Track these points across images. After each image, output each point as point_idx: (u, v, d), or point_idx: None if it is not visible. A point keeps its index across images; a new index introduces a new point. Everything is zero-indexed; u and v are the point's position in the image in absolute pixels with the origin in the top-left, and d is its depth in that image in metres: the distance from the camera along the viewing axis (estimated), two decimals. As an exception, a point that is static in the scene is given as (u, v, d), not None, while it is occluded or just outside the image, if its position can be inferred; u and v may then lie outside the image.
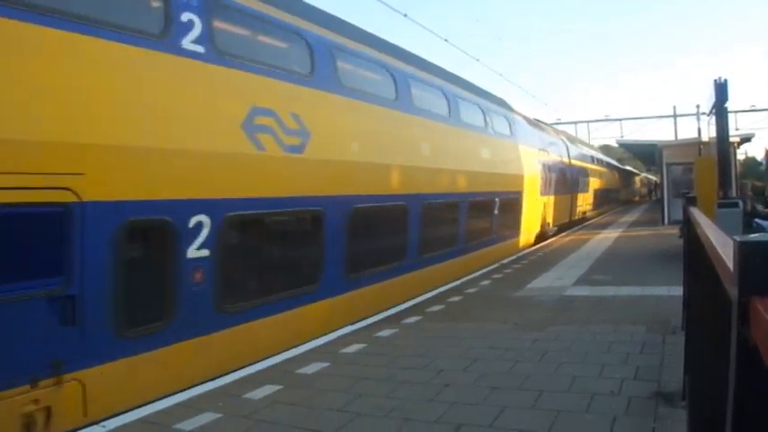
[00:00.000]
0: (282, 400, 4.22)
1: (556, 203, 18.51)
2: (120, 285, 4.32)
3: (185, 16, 5.12)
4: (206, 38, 5.30)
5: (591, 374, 4.42)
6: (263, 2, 6.33)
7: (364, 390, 4.37)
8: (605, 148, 46.43)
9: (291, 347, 5.57)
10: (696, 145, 15.92)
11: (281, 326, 5.96)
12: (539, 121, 21.06)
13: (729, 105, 9.22)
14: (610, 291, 8.12)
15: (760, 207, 11.41)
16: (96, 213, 4.11)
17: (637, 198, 54.65)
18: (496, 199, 12.65)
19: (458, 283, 9.44)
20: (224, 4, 5.78)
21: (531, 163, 15.44)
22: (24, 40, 3.90)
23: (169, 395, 4.31)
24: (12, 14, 3.80)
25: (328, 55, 7.25)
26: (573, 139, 28.38)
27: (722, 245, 1.45)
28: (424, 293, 8.35)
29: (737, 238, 0.97)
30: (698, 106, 21.75)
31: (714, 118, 9.72)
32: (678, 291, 5.63)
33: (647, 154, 28.31)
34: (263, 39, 6.70)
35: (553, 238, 17.03)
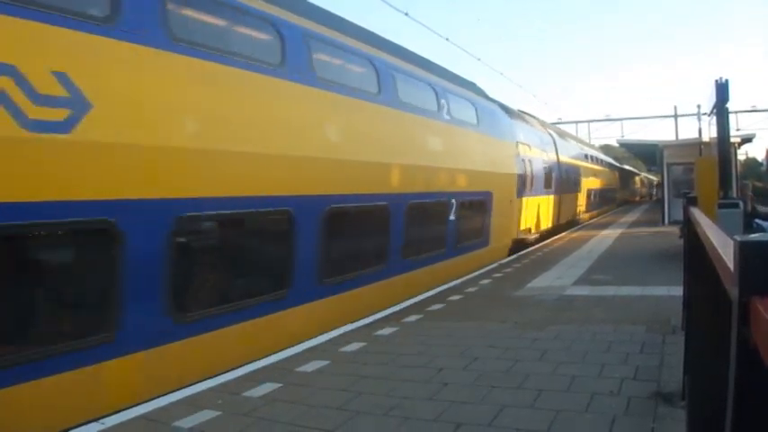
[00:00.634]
0: (282, 398, 4.22)
1: (538, 206, 16.31)
2: None
3: None
4: None
5: (590, 374, 4.42)
6: None
7: (364, 388, 4.37)
8: (606, 148, 46.40)
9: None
10: (697, 145, 15.92)
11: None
12: (523, 112, 18.73)
13: (730, 106, 9.23)
14: (610, 290, 8.11)
15: (761, 207, 11.40)
16: None
17: (637, 198, 54.61)
18: (452, 201, 10.20)
19: (458, 282, 9.44)
20: None
21: (505, 159, 13.34)
22: None
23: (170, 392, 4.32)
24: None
25: None
26: (564, 135, 26.20)
27: (722, 245, 1.45)
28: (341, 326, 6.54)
29: (738, 239, 0.97)
30: (699, 106, 21.78)
31: (715, 118, 9.70)
32: (678, 291, 5.63)
33: (647, 154, 28.27)
34: None
35: (561, 234, 16.92)
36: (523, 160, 14.67)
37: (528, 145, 15.47)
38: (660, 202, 22.41)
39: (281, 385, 4.49)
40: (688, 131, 69.51)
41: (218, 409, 4.02)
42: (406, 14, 14.91)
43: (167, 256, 4.79)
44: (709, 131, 13.99)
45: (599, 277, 9.37)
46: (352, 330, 6.31)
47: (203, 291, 5.52)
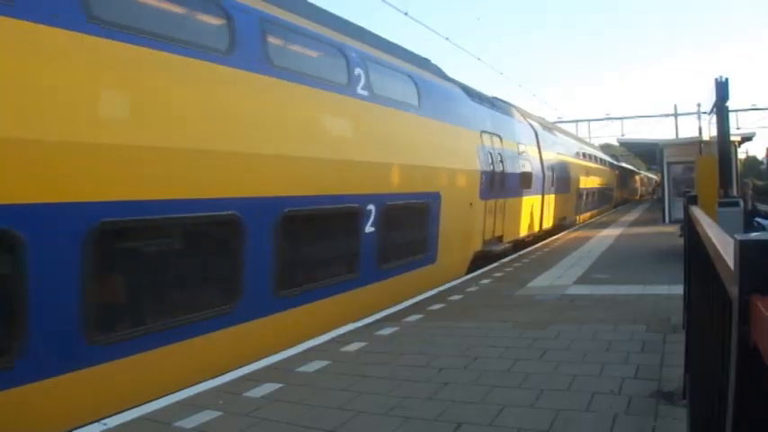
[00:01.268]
0: (283, 399, 4.22)
1: (514, 209, 13.87)
2: None
3: None
4: None
5: (591, 373, 4.42)
6: None
7: (364, 388, 4.37)
8: (606, 147, 46.41)
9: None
10: (697, 144, 15.88)
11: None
12: (497, 99, 15.63)
13: (730, 104, 9.23)
14: (610, 289, 8.11)
15: (761, 206, 11.40)
16: None
17: (637, 197, 54.59)
18: (369, 207, 7.52)
19: (458, 282, 9.44)
20: None
21: (463, 152, 10.94)
22: None
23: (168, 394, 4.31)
24: None
25: None
26: (551, 128, 22.89)
27: (723, 243, 1.44)
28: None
29: (738, 237, 0.97)
30: (699, 105, 21.78)
31: (715, 117, 9.70)
32: (678, 289, 5.63)
33: (648, 153, 28.26)
34: None
35: (548, 239, 16.81)
36: (490, 154, 12.16)
37: (498, 136, 12.91)
38: (660, 201, 22.36)
39: (281, 385, 4.49)
40: (688, 130, 69.56)
41: (219, 409, 4.02)
42: (406, 14, 14.96)
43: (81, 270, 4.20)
44: (710, 130, 13.97)
45: (600, 276, 9.37)
46: (352, 330, 6.32)
47: (119, 309, 4.80)
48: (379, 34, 9.45)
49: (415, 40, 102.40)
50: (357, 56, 7.94)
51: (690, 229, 3.70)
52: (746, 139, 18.96)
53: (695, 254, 2.97)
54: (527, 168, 15.15)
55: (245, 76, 5.82)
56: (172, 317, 4.92)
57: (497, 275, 10.00)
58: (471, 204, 11.07)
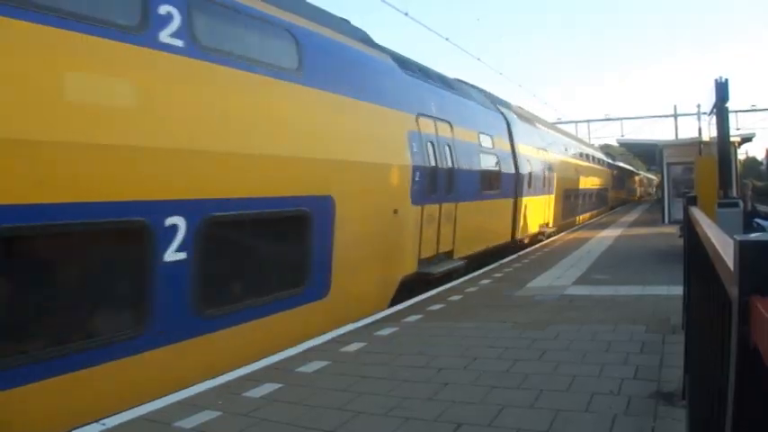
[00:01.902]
0: (282, 399, 4.22)
1: (467, 216, 10.75)
2: None
3: None
4: None
5: (590, 374, 4.42)
6: None
7: (364, 388, 4.37)
8: (606, 148, 46.42)
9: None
10: (697, 144, 15.88)
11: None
12: (460, 81, 13.32)
13: (730, 105, 9.22)
14: (610, 290, 8.11)
15: (760, 207, 11.40)
16: None
17: (637, 197, 54.53)
18: (172, 221, 4.74)
19: (457, 282, 9.44)
20: None
21: (384, 140, 8.27)
22: None
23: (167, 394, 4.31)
24: None
25: None
26: (529, 118, 19.18)
27: (722, 244, 1.44)
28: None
29: (738, 238, 0.97)
30: (698, 106, 21.76)
31: (715, 118, 9.70)
32: (678, 290, 5.63)
33: (647, 153, 28.26)
34: None
35: (558, 234, 16.72)
36: (432, 145, 9.58)
37: (447, 122, 10.32)
38: (660, 201, 22.37)
39: (281, 385, 4.49)
40: (688, 131, 69.61)
41: (218, 409, 4.02)
42: (406, 14, 14.95)
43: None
44: (709, 131, 13.97)
45: (599, 277, 9.37)
46: (352, 330, 6.32)
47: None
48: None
49: (415, 40, 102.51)
50: None
51: (689, 230, 3.70)
52: (746, 139, 18.97)
53: (695, 254, 2.97)
54: (492, 165, 12.66)
55: None
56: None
57: (497, 276, 10.00)
58: (396, 211, 8.30)
